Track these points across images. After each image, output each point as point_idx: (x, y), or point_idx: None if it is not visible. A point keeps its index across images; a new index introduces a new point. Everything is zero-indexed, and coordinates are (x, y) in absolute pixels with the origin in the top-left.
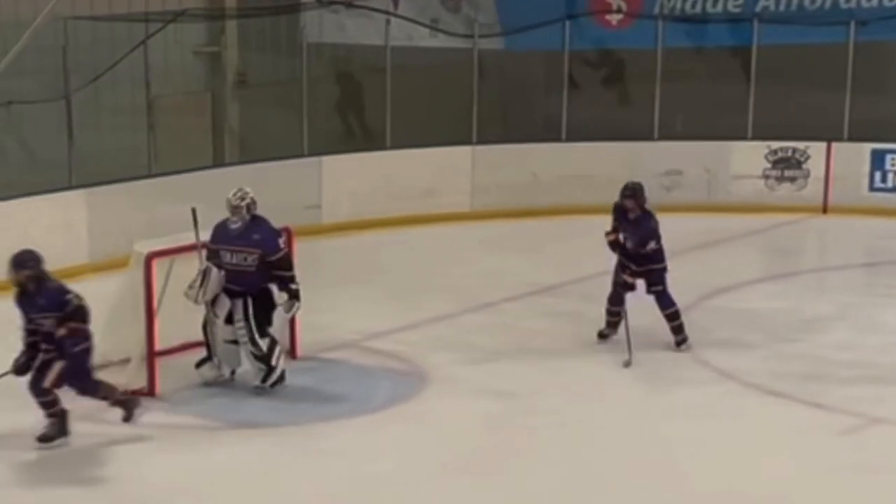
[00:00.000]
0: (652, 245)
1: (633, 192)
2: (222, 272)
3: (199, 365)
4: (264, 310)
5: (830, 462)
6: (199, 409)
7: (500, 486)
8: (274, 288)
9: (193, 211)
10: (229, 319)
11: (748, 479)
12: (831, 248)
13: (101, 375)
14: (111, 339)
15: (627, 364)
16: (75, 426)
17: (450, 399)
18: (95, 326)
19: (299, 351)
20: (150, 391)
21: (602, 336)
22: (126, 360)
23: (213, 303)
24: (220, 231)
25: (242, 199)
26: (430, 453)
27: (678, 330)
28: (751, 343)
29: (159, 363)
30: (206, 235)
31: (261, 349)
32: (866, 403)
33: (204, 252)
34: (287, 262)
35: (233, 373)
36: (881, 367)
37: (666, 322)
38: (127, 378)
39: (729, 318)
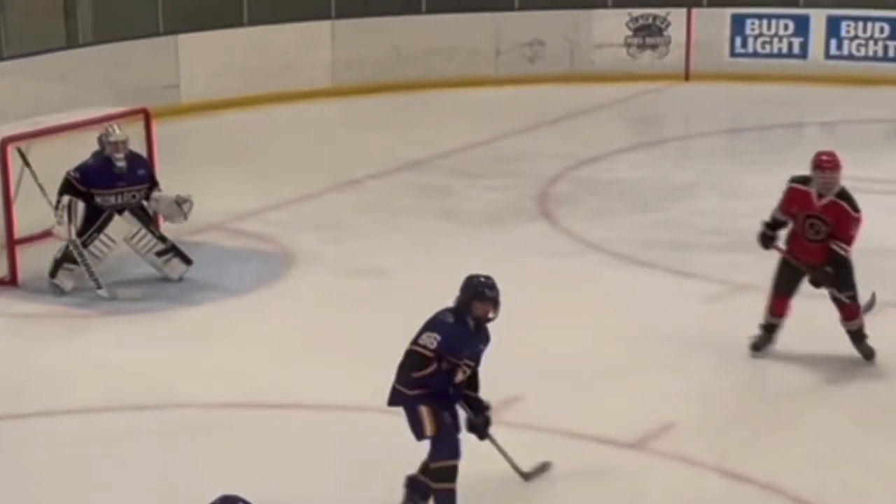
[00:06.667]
0: None
1: None
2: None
3: (53, 274)
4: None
5: (695, 327)
6: (65, 298)
7: (365, 363)
8: None
9: (21, 152)
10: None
11: (603, 345)
12: (695, 115)
13: None
14: None
15: None
16: None
17: (317, 277)
18: None
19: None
20: (11, 280)
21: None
22: None
23: (98, 227)
24: (101, 174)
25: (122, 133)
26: (298, 333)
27: None
28: (617, 212)
29: (20, 251)
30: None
31: (166, 242)
32: (732, 270)
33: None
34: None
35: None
36: (747, 233)
37: None
38: None
39: (595, 188)
